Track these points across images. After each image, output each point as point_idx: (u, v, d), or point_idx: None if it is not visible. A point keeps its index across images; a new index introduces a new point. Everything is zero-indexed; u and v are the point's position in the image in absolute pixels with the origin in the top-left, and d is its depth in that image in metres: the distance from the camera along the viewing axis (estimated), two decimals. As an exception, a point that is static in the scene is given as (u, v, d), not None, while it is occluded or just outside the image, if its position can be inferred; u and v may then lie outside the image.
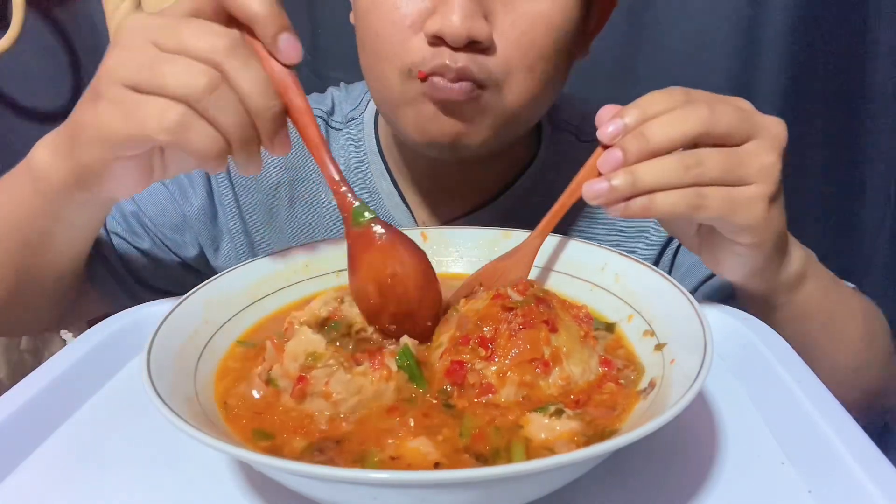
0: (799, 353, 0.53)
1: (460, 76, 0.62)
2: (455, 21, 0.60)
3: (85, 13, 1.35)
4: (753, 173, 0.52)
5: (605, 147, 0.52)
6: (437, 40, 0.62)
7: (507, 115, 0.67)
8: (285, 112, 0.49)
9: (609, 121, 0.52)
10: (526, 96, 0.67)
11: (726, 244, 0.56)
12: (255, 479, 0.44)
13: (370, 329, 0.49)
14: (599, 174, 0.52)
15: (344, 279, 0.62)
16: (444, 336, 0.49)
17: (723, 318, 0.59)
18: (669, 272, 0.82)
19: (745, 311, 0.60)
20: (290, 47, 0.49)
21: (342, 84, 0.90)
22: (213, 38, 0.46)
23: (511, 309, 0.48)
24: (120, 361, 0.57)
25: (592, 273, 0.58)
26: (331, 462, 0.39)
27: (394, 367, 0.45)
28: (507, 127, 0.69)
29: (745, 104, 0.54)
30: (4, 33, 1.24)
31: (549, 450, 0.40)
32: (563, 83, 0.72)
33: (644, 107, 0.52)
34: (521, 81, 0.65)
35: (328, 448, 0.41)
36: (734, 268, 0.59)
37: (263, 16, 0.48)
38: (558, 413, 0.42)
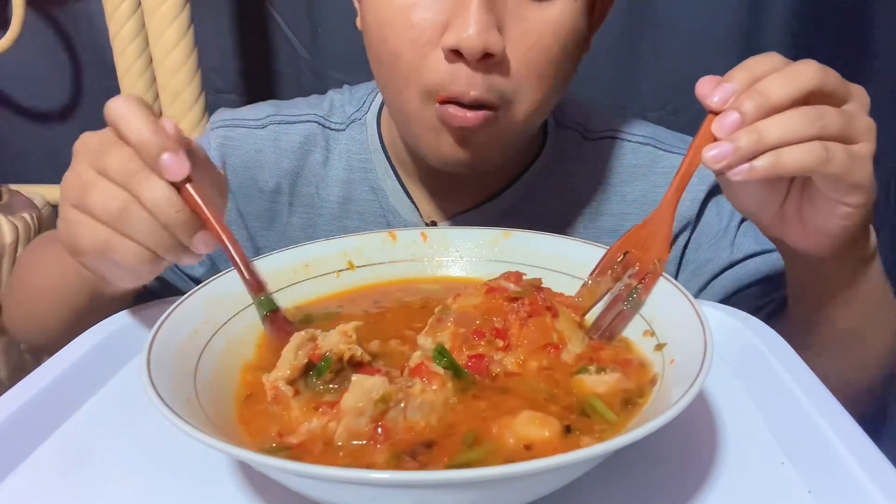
0: (853, 337, 0.52)
1: (475, 103, 0.63)
2: (472, 34, 0.60)
3: (85, 13, 1.35)
4: (862, 131, 0.52)
5: (716, 114, 0.51)
6: (454, 55, 0.62)
7: (518, 128, 0.68)
8: (195, 216, 0.51)
9: (715, 88, 0.51)
10: (536, 106, 0.67)
11: (830, 209, 0.55)
12: (255, 479, 0.44)
13: (358, 350, 0.46)
14: (715, 141, 0.50)
15: (344, 280, 0.62)
16: (443, 335, 0.49)
17: (723, 318, 0.59)
18: (677, 271, 0.82)
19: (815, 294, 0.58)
20: (173, 166, 0.50)
21: (345, 86, 0.90)
22: (126, 163, 0.50)
23: (515, 299, 0.49)
24: (120, 361, 0.57)
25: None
26: (424, 467, 0.38)
27: (440, 371, 0.44)
28: (518, 138, 0.70)
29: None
30: (4, 33, 1.24)
31: (626, 401, 0.43)
32: (569, 83, 0.72)
33: (751, 68, 0.51)
34: (531, 92, 0.66)
35: (420, 452, 0.39)
36: (833, 234, 0.57)
37: (140, 143, 0.50)
38: (600, 370, 0.45)
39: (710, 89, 0.51)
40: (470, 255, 0.64)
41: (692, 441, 0.47)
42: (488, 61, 0.62)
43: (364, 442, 0.40)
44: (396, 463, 0.38)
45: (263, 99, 0.90)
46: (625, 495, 0.43)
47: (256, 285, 0.54)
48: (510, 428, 0.40)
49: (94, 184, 0.50)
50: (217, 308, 0.53)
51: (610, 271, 0.56)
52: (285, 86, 1.38)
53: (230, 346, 0.52)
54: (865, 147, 0.52)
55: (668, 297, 0.50)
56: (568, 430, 0.40)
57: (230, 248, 0.52)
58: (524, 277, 0.53)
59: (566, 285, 0.59)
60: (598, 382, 0.45)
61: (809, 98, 0.50)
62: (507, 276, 0.53)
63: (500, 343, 0.47)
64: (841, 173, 0.51)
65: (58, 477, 0.45)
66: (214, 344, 0.50)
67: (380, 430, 0.40)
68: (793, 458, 0.45)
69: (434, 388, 0.42)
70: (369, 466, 0.38)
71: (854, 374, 0.50)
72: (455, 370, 0.45)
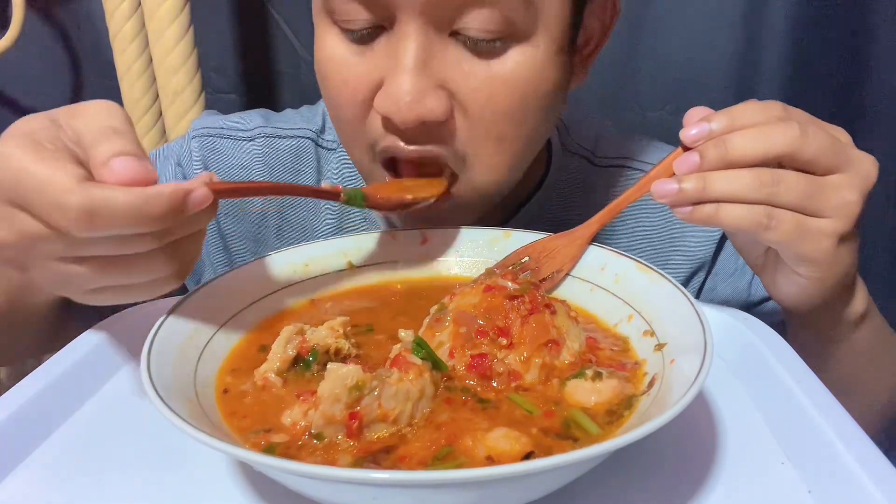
0: (843, 388, 0.52)
1: (420, 159, 0.60)
2: (401, 104, 0.55)
3: (85, 13, 1.35)
4: (830, 207, 0.51)
5: (686, 149, 0.52)
6: (388, 121, 0.58)
7: (483, 191, 0.63)
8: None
9: (695, 123, 0.51)
10: (498, 168, 0.62)
11: (787, 271, 0.56)
12: (255, 479, 0.44)
13: (345, 345, 0.49)
14: (674, 174, 0.52)
15: (343, 279, 0.62)
16: (443, 334, 0.49)
17: (723, 318, 0.59)
18: None
19: (800, 344, 0.57)
20: (200, 201, 0.42)
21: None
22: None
23: (515, 297, 0.49)
24: (120, 361, 0.57)
25: (592, 273, 0.58)
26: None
27: (418, 362, 0.44)
28: (481, 198, 0.64)
29: (843, 135, 0.53)
30: (4, 33, 1.24)
31: (610, 412, 0.43)
32: (547, 134, 0.68)
33: (735, 115, 0.51)
34: (490, 154, 0.60)
35: (382, 458, 0.40)
36: (791, 296, 0.58)
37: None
38: (598, 375, 0.45)
39: (693, 120, 0.52)
40: (470, 254, 0.64)
41: (692, 441, 0.47)
42: (428, 125, 0.57)
43: (341, 434, 0.41)
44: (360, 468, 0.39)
45: (264, 99, 0.88)
46: (624, 495, 0.43)
47: (333, 192, 0.55)
48: (483, 442, 0.40)
49: (66, 274, 0.43)
50: (217, 308, 0.53)
51: (511, 267, 0.59)
52: (285, 86, 1.37)
53: (230, 346, 0.52)
54: (829, 224, 0.51)
55: (668, 297, 0.50)
56: (529, 456, 0.39)
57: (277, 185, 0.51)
58: (521, 276, 0.54)
59: (566, 285, 0.59)
60: (590, 391, 0.45)
61: (783, 160, 0.50)
62: (503, 274, 0.53)
63: (504, 341, 0.47)
64: (783, 243, 0.51)
65: (58, 477, 0.45)
66: (214, 344, 0.50)
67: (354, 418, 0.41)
68: (793, 458, 0.45)
69: (410, 377, 0.43)
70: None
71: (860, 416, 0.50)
72: (434, 362, 0.45)
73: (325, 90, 0.63)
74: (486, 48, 0.57)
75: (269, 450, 0.41)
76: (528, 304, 0.48)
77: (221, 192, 0.46)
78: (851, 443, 0.42)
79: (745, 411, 0.51)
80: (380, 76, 0.58)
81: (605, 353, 0.50)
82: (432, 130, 0.58)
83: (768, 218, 0.50)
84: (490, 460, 0.39)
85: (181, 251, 0.45)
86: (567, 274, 0.58)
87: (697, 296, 0.81)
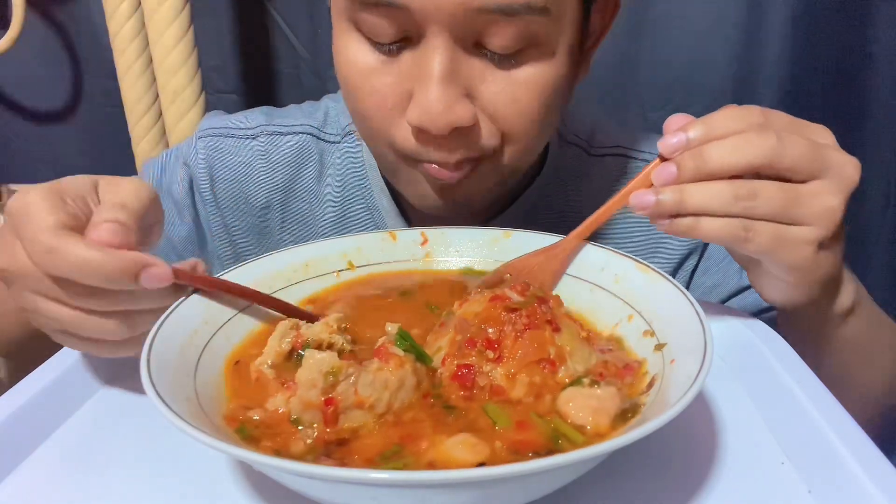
0: (836, 379, 0.52)
1: (458, 165, 0.63)
2: (433, 114, 0.57)
3: (85, 13, 1.35)
4: (810, 214, 0.50)
5: (664, 159, 0.52)
6: (420, 130, 0.60)
7: (503, 174, 0.67)
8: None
9: (673, 133, 0.51)
10: (524, 155, 0.66)
11: (769, 275, 0.56)
12: (255, 479, 0.44)
13: (339, 340, 0.49)
14: (652, 185, 0.52)
15: (344, 280, 0.62)
16: (443, 340, 0.49)
17: (723, 318, 0.59)
18: None
19: (793, 336, 0.58)
20: (154, 280, 0.46)
21: (340, 92, 0.89)
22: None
23: (514, 310, 0.48)
24: (120, 361, 0.57)
25: (592, 273, 0.58)
26: (340, 463, 0.39)
27: (400, 353, 0.44)
28: (504, 182, 0.69)
29: (824, 136, 0.52)
30: (4, 33, 1.24)
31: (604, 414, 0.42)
32: (557, 122, 0.70)
33: (712, 124, 0.51)
34: (518, 145, 0.64)
35: (334, 451, 0.40)
36: (776, 297, 0.59)
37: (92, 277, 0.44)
38: (594, 383, 0.44)
39: (673, 128, 0.52)
40: (470, 254, 0.64)
41: (692, 441, 0.47)
42: (458, 131, 0.60)
43: (318, 420, 0.42)
44: (313, 458, 0.40)
45: (264, 99, 0.89)
46: (624, 495, 0.43)
47: (309, 318, 0.54)
48: (438, 446, 0.40)
49: (35, 307, 0.47)
50: (217, 308, 0.53)
51: (495, 287, 0.55)
52: (285, 86, 1.37)
53: (230, 346, 0.52)
54: (809, 231, 0.51)
55: (668, 297, 0.50)
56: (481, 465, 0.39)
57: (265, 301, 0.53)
58: (533, 287, 0.52)
59: (567, 285, 0.59)
60: (586, 396, 0.43)
61: (760, 170, 0.50)
62: (513, 285, 0.52)
63: (491, 354, 0.46)
64: (762, 253, 0.52)
65: (58, 477, 0.45)
66: (214, 344, 0.50)
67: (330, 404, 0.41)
68: (793, 458, 0.45)
69: (390, 367, 0.43)
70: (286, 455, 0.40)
71: (853, 409, 0.50)
72: (417, 353, 0.45)
73: (352, 97, 0.64)
74: (508, 58, 0.59)
75: (241, 429, 0.41)
76: (524, 318, 0.47)
77: (196, 280, 0.50)
78: (851, 443, 0.42)
79: (745, 411, 0.51)
80: (408, 87, 0.60)
81: (610, 371, 0.48)
82: (462, 136, 0.61)
83: (745, 230, 0.50)
84: (432, 466, 0.39)
85: (135, 323, 0.47)
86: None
87: (690, 279, 0.82)
